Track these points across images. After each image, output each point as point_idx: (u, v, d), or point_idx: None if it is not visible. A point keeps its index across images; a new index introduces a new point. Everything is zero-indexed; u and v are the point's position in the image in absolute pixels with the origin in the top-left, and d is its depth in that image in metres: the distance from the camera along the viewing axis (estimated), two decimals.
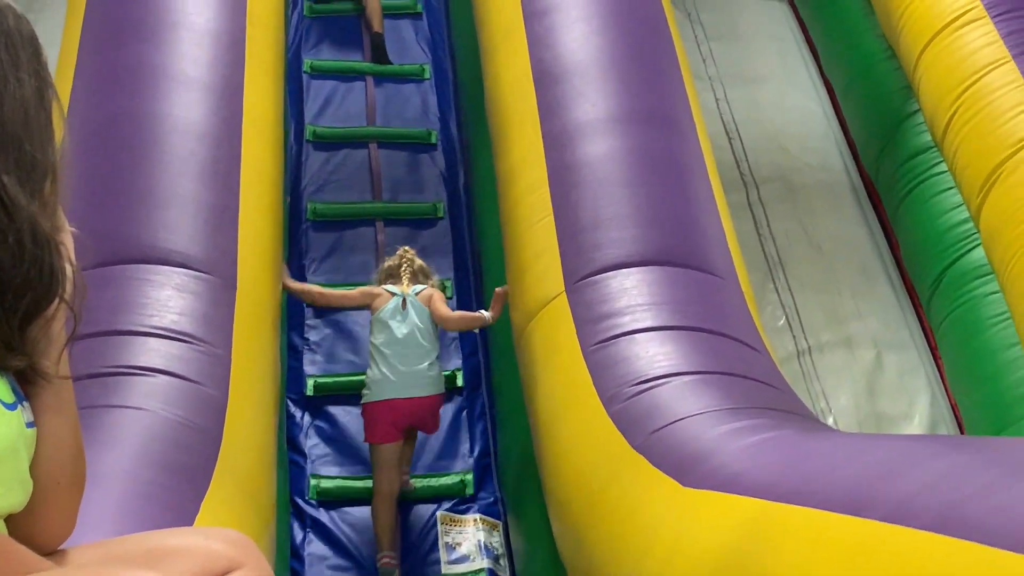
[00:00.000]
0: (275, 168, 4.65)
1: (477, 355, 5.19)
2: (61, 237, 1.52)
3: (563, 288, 4.22)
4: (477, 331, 5.21)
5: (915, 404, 5.20)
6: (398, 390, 4.55)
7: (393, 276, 4.78)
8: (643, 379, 3.63)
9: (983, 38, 5.22)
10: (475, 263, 5.52)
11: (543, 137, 4.69)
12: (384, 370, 4.57)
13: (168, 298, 3.71)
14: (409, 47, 6.36)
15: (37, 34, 1.57)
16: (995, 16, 5.22)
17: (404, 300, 4.66)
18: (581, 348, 3.94)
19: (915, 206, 5.49)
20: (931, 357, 5.37)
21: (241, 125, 4.39)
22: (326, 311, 5.24)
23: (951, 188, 5.31)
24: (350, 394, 4.91)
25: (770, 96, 6.53)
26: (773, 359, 4.06)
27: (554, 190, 4.51)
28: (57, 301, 1.49)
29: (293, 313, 5.18)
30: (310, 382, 4.99)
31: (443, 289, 5.30)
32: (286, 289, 4.69)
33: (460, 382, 5.05)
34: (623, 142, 4.60)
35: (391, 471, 4.57)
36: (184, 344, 3.57)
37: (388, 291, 4.70)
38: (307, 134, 5.86)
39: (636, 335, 3.89)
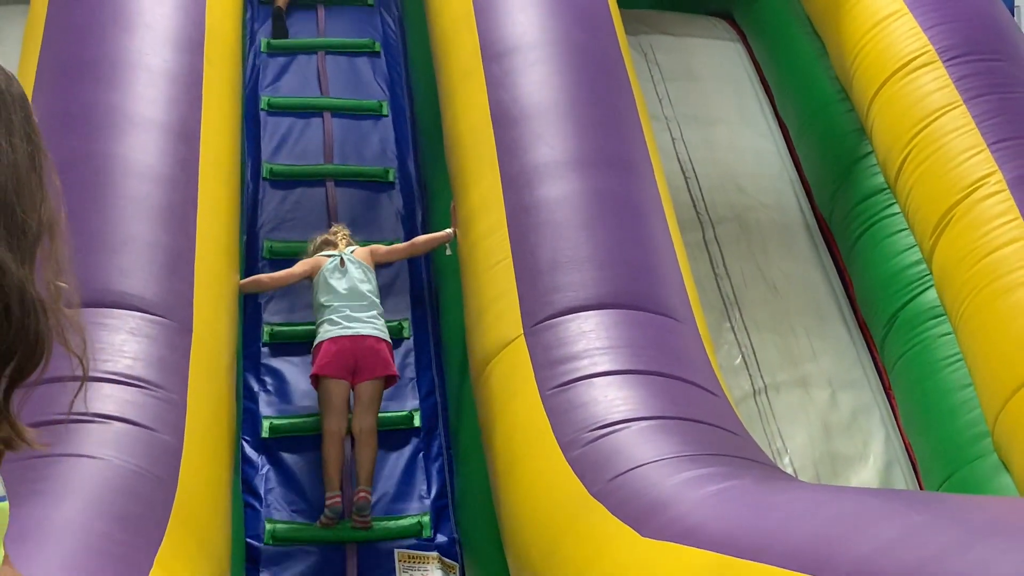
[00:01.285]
0: (232, 209, 4.63)
1: (435, 395, 5.17)
2: (59, 296, 1.51)
3: (521, 331, 4.23)
4: (434, 373, 5.20)
5: (870, 444, 5.23)
6: (342, 331, 4.77)
7: (329, 244, 5.09)
8: (601, 424, 3.63)
9: (935, 82, 5.31)
10: (432, 302, 5.51)
11: (502, 179, 4.71)
12: (328, 322, 4.81)
13: (123, 342, 3.68)
14: (367, 84, 6.36)
15: None
16: (946, 61, 5.31)
17: (342, 259, 4.95)
18: (539, 391, 3.94)
19: (869, 247, 5.55)
20: (885, 397, 5.42)
21: (198, 166, 4.37)
22: (282, 348, 5.22)
23: (904, 230, 5.37)
24: (306, 435, 4.88)
25: (726, 136, 6.58)
26: (731, 402, 4.08)
27: (512, 233, 4.52)
28: (41, 367, 1.48)
29: (249, 354, 5.14)
30: (265, 424, 4.95)
31: (400, 329, 5.30)
32: (240, 290, 4.83)
33: (417, 423, 5.03)
34: (581, 184, 4.62)
35: (337, 411, 4.73)
36: (138, 389, 3.54)
37: (325, 255, 5.01)
38: (264, 172, 5.83)
39: (594, 379, 3.89)
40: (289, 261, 5.51)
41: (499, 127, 4.88)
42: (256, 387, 5.08)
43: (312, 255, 5.08)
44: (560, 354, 4.04)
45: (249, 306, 5.30)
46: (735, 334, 5.64)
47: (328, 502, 4.69)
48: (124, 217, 4.06)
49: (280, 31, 6.51)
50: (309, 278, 5.02)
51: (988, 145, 5.01)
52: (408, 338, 5.33)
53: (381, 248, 5.15)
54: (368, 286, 4.93)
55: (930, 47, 5.38)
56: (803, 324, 5.68)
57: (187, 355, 3.81)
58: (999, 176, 4.89)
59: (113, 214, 4.06)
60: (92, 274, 3.84)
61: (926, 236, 5.12)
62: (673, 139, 6.58)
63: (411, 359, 5.26)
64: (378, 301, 4.95)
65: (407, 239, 5.71)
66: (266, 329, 5.26)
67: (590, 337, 4.08)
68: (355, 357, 4.77)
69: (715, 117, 6.68)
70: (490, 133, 4.88)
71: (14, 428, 1.46)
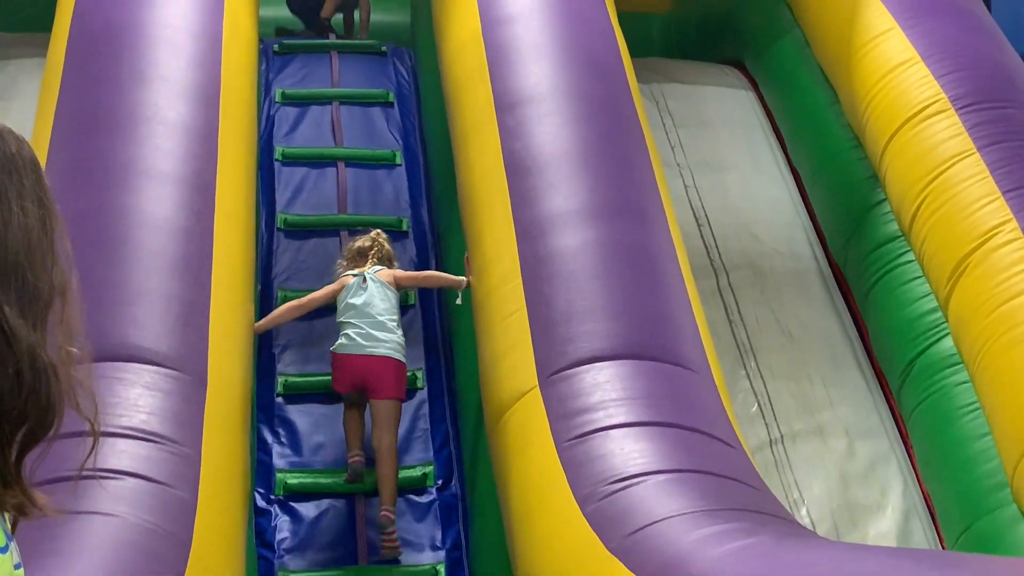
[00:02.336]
0: (246, 261, 4.64)
1: (449, 446, 5.15)
2: (71, 360, 1.50)
3: (536, 382, 4.21)
4: (449, 424, 5.18)
5: (887, 494, 5.19)
6: (353, 349, 4.88)
7: (361, 257, 5.12)
8: (618, 477, 3.61)
9: (948, 130, 5.30)
10: (447, 352, 5.49)
11: (515, 229, 4.71)
12: (344, 336, 4.92)
13: (137, 397, 3.67)
14: (381, 134, 6.39)
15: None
16: (959, 109, 5.31)
17: (364, 277, 5.01)
18: (555, 444, 3.92)
19: (883, 295, 5.53)
20: (902, 445, 5.37)
21: (213, 219, 4.38)
22: (297, 399, 5.21)
23: (919, 277, 5.35)
24: (321, 493, 4.86)
25: (738, 183, 6.59)
26: (747, 453, 4.05)
27: (526, 282, 4.51)
28: (52, 432, 1.47)
29: (263, 405, 5.13)
30: (279, 480, 4.92)
31: (414, 380, 5.29)
32: (260, 330, 4.96)
33: (431, 482, 5.00)
34: (595, 234, 4.62)
35: (354, 407, 4.94)
36: (153, 444, 3.53)
37: (350, 275, 5.06)
38: (278, 222, 5.85)
39: (610, 431, 3.87)
40: None
41: (512, 177, 4.89)
42: (270, 439, 5.07)
43: (346, 259, 5.17)
44: (576, 406, 4.02)
45: (263, 356, 5.30)
46: (751, 382, 5.61)
47: (350, 461, 4.85)
48: (139, 269, 4.07)
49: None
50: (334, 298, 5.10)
51: (1002, 193, 5.00)
52: (422, 388, 5.31)
53: (401, 273, 5.20)
54: (386, 304, 4.98)
55: (943, 95, 5.38)
56: (819, 372, 5.65)
57: (202, 409, 3.80)
58: (1014, 224, 4.87)
59: (129, 266, 4.07)
60: (108, 327, 3.85)
61: (941, 284, 5.10)
62: (686, 186, 6.59)
63: (425, 410, 5.24)
64: (397, 319, 5.01)
65: (421, 288, 5.72)
66: (280, 380, 5.25)
67: (606, 388, 4.06)
68: (363, 377, 4.87)
69: (727, 164, 6.69)
70: (504, 183, 4.89)
71: (27, 495, 1.46)
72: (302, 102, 6.47)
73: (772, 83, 6.91)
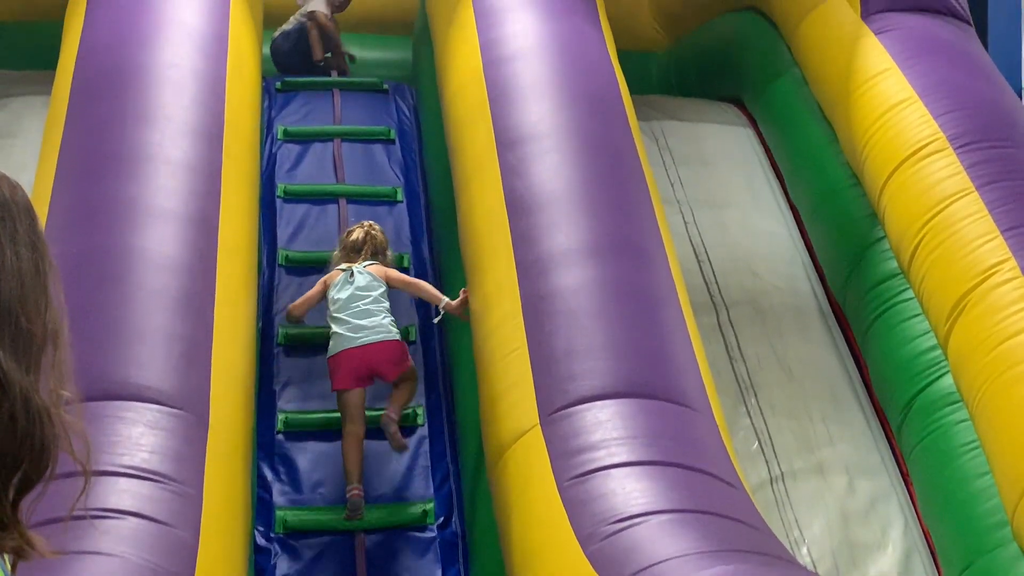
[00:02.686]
0: (249, 298, 4.66)
1: (449, 483, 5.15)
2: (61, 404, 1.51)
3: (537, 420, 4.22)
4: (449, 461, 5.18)
5: (888, 532, 5.18)
6: (351, 341, 4.92)
7: (355, 252, 5.20)
8: (620, 517, 3.61)
9: (946, 169, 5.34)
10: (447, 389, 5.50)
11: (516, 267, 4.73)
12: (337, 328, 4.97)
13: (140, 435, 3.68)
14: (382, 171, 6.42)
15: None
16: (957, 148, 5.35)
17: (352, 272, 5.10)
18: (556, 483, 3.92)
19: (883, 332, 5.55)
20: (903, 483, 5.37)
21: (216, 256, 4.40)
22: (297, 436, 5.21)
23: (919, 315, 5.36)
24: (321, 530, 4.85)
25: (738, 220, 6.61)
26: (748, 492, 4.06)
27: (528, 321, 4.53)
28: (48, 475, 1.48)
29: (263, 442, 5.13)
30: (279, 517, 4.91)
31: (413, 416, 5.29)
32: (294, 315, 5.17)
33: (431, 519, 4.99)
34: (596, 272, 4.64)
35: (356, 416, 4.91)
36: (155, 484, 3.53)
37: (339, 269, 5.16)
38: (280, 259, 5.87)
39: (612, 470, 3.88)
40: (304, 347, 5.54)
41: (513, 215, 4.91)
42: (270, 476, 5.06)
43: (341, 251, 5.27)
44: (577, 444, 4.03)
45: (263, 393, 5.30)
46: (751, 419, 5.61)
47: (349, 495, 4.84)
48: (143, 308, 4.09)
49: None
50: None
51: (1001, 231, 5.02)
52: (422, 425, 5.32)
53: (394, 273, 5.26)
54: (372, 294, 5.04)
55: (941, 134, 5.42)
56: (819, 409, 5.66)
57: (203, 448, 3.81)
58: (1013, 263, 4.89)
59: (132, 305, 4.09)
60: (110, 366, 3.86)
61: (941, 322, 5.11)
62: (686, 223, 6.61)
63: (425, 447, 5.24)
64: (384, 305, 5.06)
65: (422, 325, 5.73)
66: (280, 417, 5.25)
67: (607, 427, 4.07)
68: (368, 367, 4.95)
69: (727, 201, 6.72)
70: (505, 221, 4.92)
71: (24, 538, 1.46)
72: (304, 139, 6.51)
73: (771, 121, 6.95)
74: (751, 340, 6.02)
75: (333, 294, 5.07)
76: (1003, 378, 4.70)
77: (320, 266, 5.89)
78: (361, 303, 5.01)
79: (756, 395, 5.73)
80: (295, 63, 7.28)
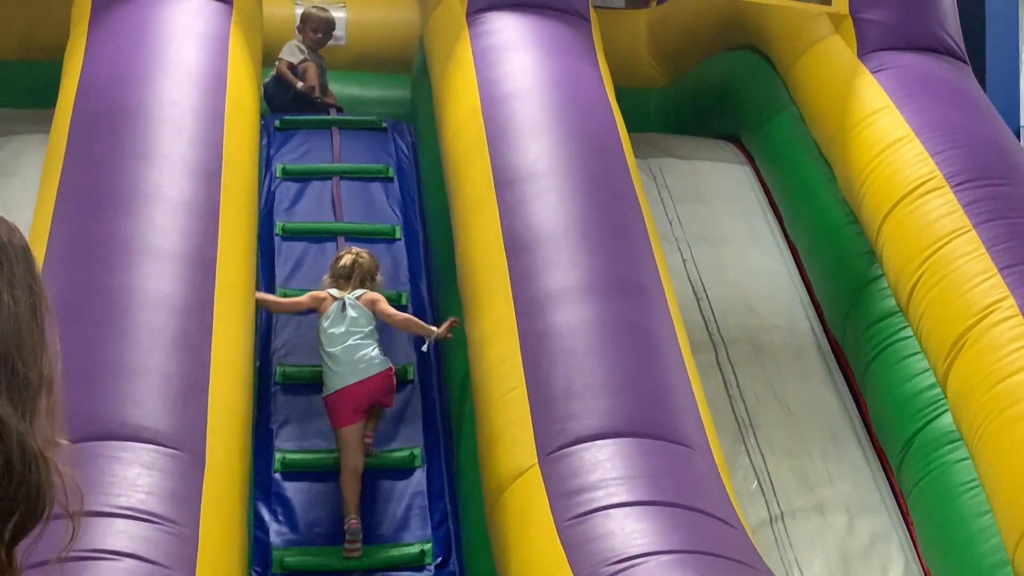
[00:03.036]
0: (246, 337, 4.64)
1: (447, 524, 5.12)
2: (56, 450, 1.50)
3: (536, 460, 4.20)
4: (447, 502, 5.16)
5: (888, 572, 5.15)
6: (347, 378, 5.06)
7: (344, 279, 5.31)
8: (620, 558, 3.59)
9: (943, 207, 5.35)
10: (445, 428, 5.48)
11: (515, 305, 4.72)
12: (332, 366, 5.10)
13: (136, 476, 3.66)
14: (380, 209, 6.42)
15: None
16: (955, 186, 5.37)
17: (344, 304, 5.20)
18: (555, 523, 3.90)
19: (882, 370, 5.54)
20: (903, 522, 5.34)
21: (213, 295, 4.40)
22: (294, 476, 5.19)
23: (918, 353, 5.36)
24: (319, 571, 4.82)
25: (736, 257, 6.62)
26: (748, 533, 4.04)
27: (526, 359, 4.52)
28: (43, 520, 1.47)
29: (260, 482, 5.10)
30: (276, 556, 4.88)
31: (411, 459, 5.28)
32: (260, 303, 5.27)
33: (428, 560, 4.96)
34: (594, 311, 4.63)
35: (356, 450, 5.05)
36: (151, 525, 3.51)
37: (331, 295, 5.26)
38: (278, 295, 5.85)
39: (611, 510, 3.85)
40: (302, 386, 5.52)
41: (511, 253, 4.91)
42: (267, 516, 5.04)
43: (331, 276, 5.36)
44: (576, 484, 4.01)
45: (261, 432, 5.28)
46: (750, 458, 5.59)
47: (347, 525, 4.93)
48: (140, 347, 4.07)
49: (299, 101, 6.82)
50: (314, 310, 5.33)
51: (999, 270, 5.03)
52: (421, 467, 5.29)
53: (383, 306, 5.32)
54: (363, 329, 5.17)
55: (938, 172, 5.44)
56: (819, 447, 5.64)
57: (200, 488, 3.78)
58: (1011, 301, 4.90)
59: (129, 344, 4.08)
60: (107, 406, 3.85)
61: (940, 360, 5.11)
62: (684, 260, 6.62)
63: (423, 486, 5.21)
64: (376, 337, 5.21)
65: (419, 363, 5.72)
66: (278, 456, 5.23)
67: (606, 467, 4.05)
68: (368, 399, 5.11)
69: (725, 238, 6.73)
70: (503, 259, 4.91)
71: None
72: (302, 177, 6.52)
73: (768, 158, 6.97)
74: (750, 378, 6.01)
75: (326, 327, 5.18)
76: (1002, 416, 4.69)
77: None
78: (353, 339, 5.13)
79: (755, 434, 5.71)
80: (286, 102, 7.31)
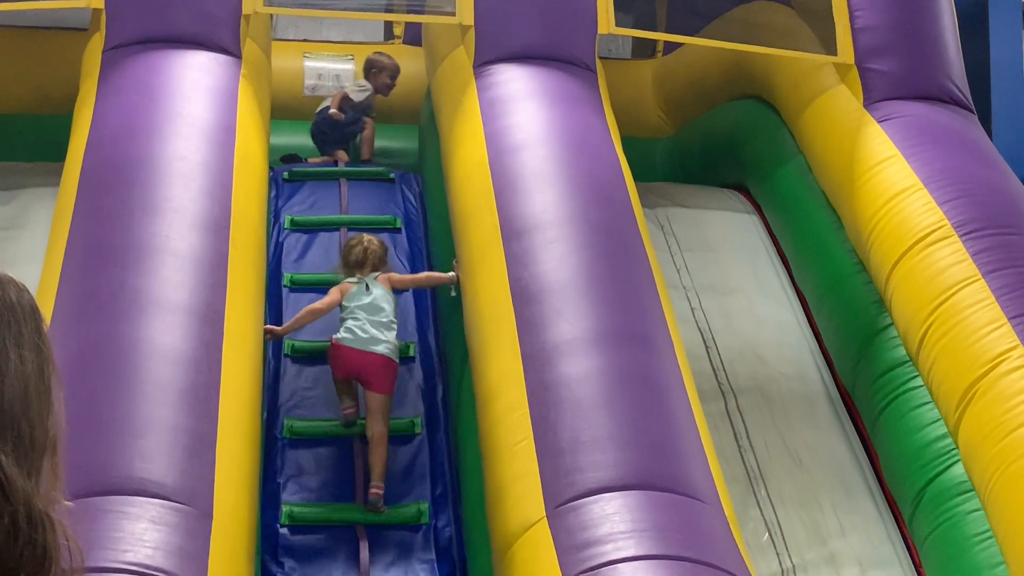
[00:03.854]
0: (254, 390, 4.64)
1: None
2: (57, 509, 1.49)
3: (544, 513, 4.17)
4: (455, 555, 5.12)
5: None
6: (355, 344, 5.36)
7: (357, 266, 5.62)
8: None
9: (952, 256, 5.34)
10: (454, 482, 5.45)
11: (522, 356, 4.71)
12: (352, 325, 5.39)
13: (143, 531, 3.65)
14: (389, 260, 6.42)
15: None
16: (963, 235, 5.36)
17: (366, 284, 5.54)
18: None
19: (893, 420, 5.50)
20: (916, 574, 5.29)
21: (221, 348, 4.40)
22: (301, 530, 5.16)
23: (928, 403, 5.33)
24: None
25: (745, 306, 6.61)
26: None
27: (533, 411, 4.50)
28: None
29: (267, 535, 5.08)
30: None
31: (418, 515, 5.25)
32: (276, 336, 5.58)
33: None
34: (602, 362, 4.62)
35: (347, 395, 5.48)
36: None
37: (350, 282, 5.58)
38: (285, 348, 5.86)
39: (620, 565, 3.83)
40: (310, 440, 5.50)
41: (519, 304, 4.91)
42: (274, 569, 5.00)
43: (344, 266, 5.69)
44: (584, 538, 3.98)
45: (268, 485, 5.26)
46: (761, 510, 5.55)
47: (344, 412, 5.43)
48: (147, 401, 4.07)
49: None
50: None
51: (1008, 319, 5.01)
52: (427, 523, 5.25)
53: (396, 276, 5.75)
54: (388, 307, 5.49)
55: (946, 221, 5.43)
56: (830, 499, 5.59)
57: (207, 543, 3.76)
58: (1021, 350, 4.87)
59: (137, 398, 4.08)
60: (115, 460, 3.84)
61: (950, 410, 5.08)
62: (692, 308, 6.61)
63: (431, 539, 5.18)
64: (395, 321, 5.51)
65: (428, 414, 5.70)
66: (284, 510, 5.20)
67: (614, 520, 4.02)
68: (361, 370, 5.37)
69: (733, 287, 6.72)
70: (510, 310, 4.91)
71: None
72: (310, 228, 6.54)
73: (776, 207, 6.98)
74: (760, 428, 5.98)
75: (352, 305, 5.46)
76: (1014, 467, 4.66)
77: (325, 356, 5.88)
78: (379, 316, 5.44)
79: (766, 485, 5.67)
80: (333, 139, 7.44)
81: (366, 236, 5.80)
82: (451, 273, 5.58)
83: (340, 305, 5.52)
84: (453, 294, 5.59)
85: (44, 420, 1.49)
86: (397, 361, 5.42)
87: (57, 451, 1.51)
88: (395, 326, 5.48)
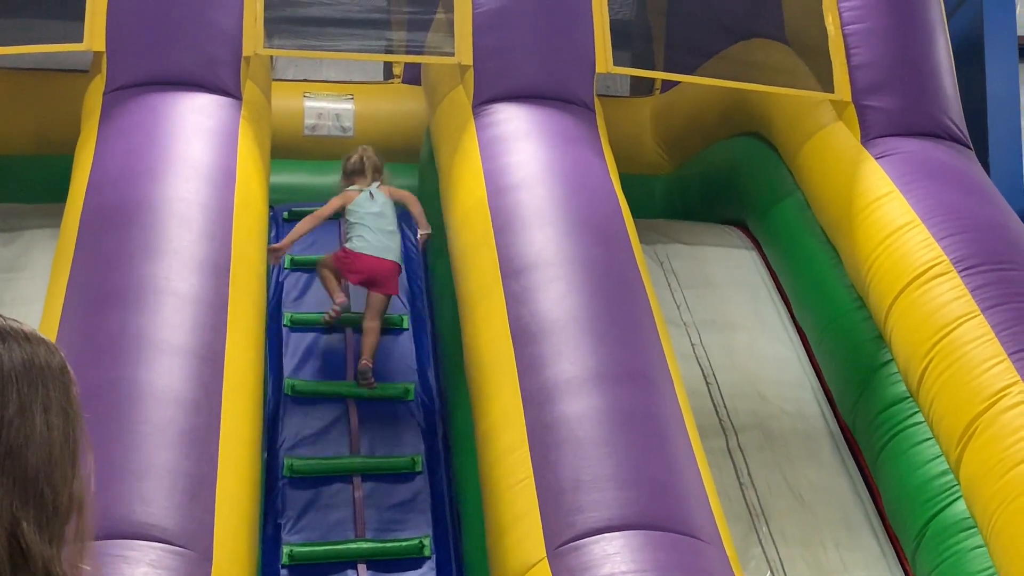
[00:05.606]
0: (254, 431, 4.63)
1: None
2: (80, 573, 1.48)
3: (544, 553, 4.16)
4: None
5: None
6: (370, 250, 5.88)
7: (357, 173, 6.09)
8: None
9: (951, 292, 5.35)
10: (454, 520, 5.44)
11: (522, 395, 4.71)
12: (364, 234, 5.89)
13: None
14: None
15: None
16: (962, 271, 5.37)
17: (371, 193, 6.01)
18: None
19: (894, 457, 5.49)
20: None
21: (221, 390, 4.40)
22: (303, 571, 5.14)
23: (929, 439, 5.32)
24: None
25: (745, 343, 6.61)
26: None
27: (533, 450, 4.49)
28: None
29: (268, 574, 5.06)
30: None
31: (420, 548, 5.24)
32: (279, 252, 5.99)
33: None
34: (602, 401, 4.62)
35: (337, 289, 6.02)
36: None
37: (352, 191, 6.02)
38: (286, 388, 5.86)
39: None
40: (310, 479, 5.49)
41: (519, 342, 4.91)
42: None
43: (344, 176, 6.14)
44: None
45: (268, 526, 5.24)
46: (763, 547, 5.53)
47: (337, 301, 5.97)
48: (147, 444, 4.07)
49: None
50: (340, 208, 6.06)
51: (1009, 355, 5.01)
52: (429, 557, 5.24)
53: (393, 188, 6.16)
54: (391, 213, 6.01)
55: (944, 257, 5.44)
56: (832, 536, 5.58)
57: None
58: (1021, 386, 4.88)
59: (136, 441, 4.07)
60: (114, 504, 3.83)
61: (952, 447, 5.07)
62: (693, 344, 6.61)
63: None
64: (399, 230, 6.03)
65: (428, 454, 5.70)
66: (285, 550, 5.18)
67: (615, 560, 4.01)
68: (375, 275, 5.89)
69: (733, 323, 6.72)
70: (510, 348, 4.91)
71: None
72: (311, 268, 6.54)
73: (774, 244, 6.99)
74: (761, 465, 5.97)
75: (360, 210, 5.93)
76: (1016, 503, 4.65)
77: (327, 396, 5.88)
78: (384, 223, 5.93)
79: (767, 522, 5.66)
80: None
81: (362, 146, 6.28)
82: (423, 233, 6.03)
83: (347, 211, 5.95)
84: (421, 241, 6.13)
85: (68, 485, 1.47)
86: (402, 264, 6.02)
87: (83, 515, 1.49)
88: (398, 233, 6.00)
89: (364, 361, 5.80)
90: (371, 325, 5.86)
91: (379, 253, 5.86)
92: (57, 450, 1.46)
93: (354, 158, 6.14)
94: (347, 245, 5.91)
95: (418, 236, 6.10)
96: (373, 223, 5.90)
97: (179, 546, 3.77)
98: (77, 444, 1.50)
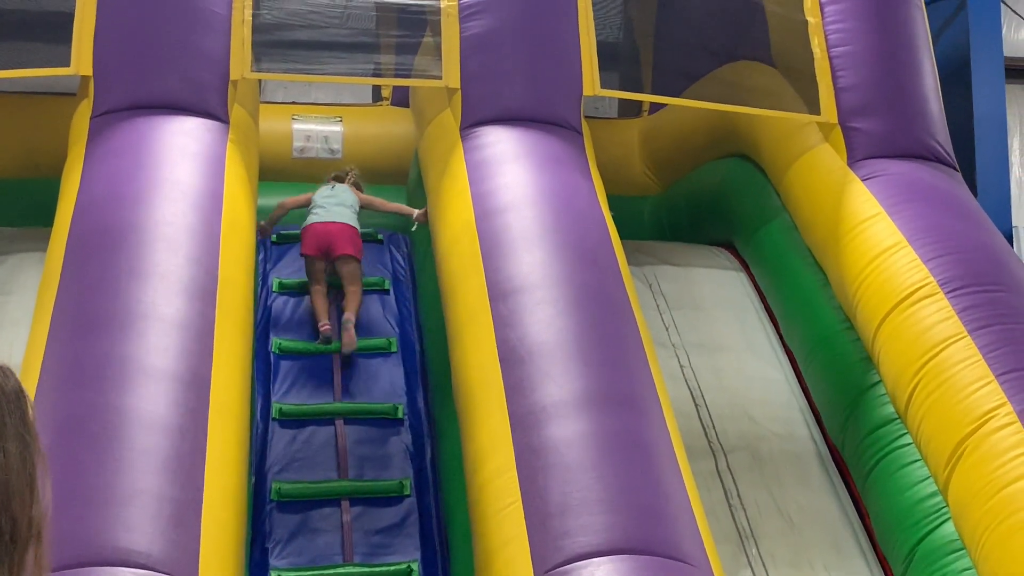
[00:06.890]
0: (240, 456, 4.61)
1: None
2: None
3: None
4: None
5: None
6: (316, 219, 6.29)
7: (336, 180, 6.62)
8: None
9: (938, 314, 5.35)
10: (442, 544, 5.42)
11: (510, 419, 4.70)
12: (311, 215, 6.32)
13: None
14: (376, 322, 6.43)
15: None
16: (949, 293, 5.37)
17: (335, 185, 6.52)
18: None
19: (883, 478, 5.49)
20: None
21: (207, 416, 4.37)
22: None
23: (918, 460, 5.32)
24: None
25: (733, 364, 6.61)
26: None
27: (521, 474, 4.48)
28: None
29: None
30: None
31: (408, 572, 5.22)
32: (264, 233, 6.43)
33: None
34: (590, 424, 4.60)
35: (319, 280, 6.28)
36: None
37: (323, 186, 6.54)
38: (273, 412, 5.84)
39: None
40: (298, 503, 5.47)
41: (506, 366, 4.90)
42: None
43: (326, 181, 6.65)
44: None
45: (256, 550, 5.22)
46: (752, 569, 5.51)
47: (321, 329, 6.13)
48: (132, 470, 4.04)
49: None
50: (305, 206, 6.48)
51: (996, 376, 5.02)
52: None
53: (363, 195, 6.57)
54: (351, 202, 6.40)
55: (931, 279, 5.45)
56: (821, 558, 5.56)
57: None
58: (1008, 408, 4.88)
59: (121, 467, 4.04)
60: (99, 530, 3.80)
61: (940, 468, 5.07)
62: (682, 366, 6.60)
63: None
64: (356, 214, 6.36)
65: (416, 477, 5.68)
66: (273, 575, 5.16)
67: None
68: (328, 238, 6.20)
69: (722, 345, 6.72)
70: (497, 372, 4.90)
71: None
72: (298, 291, 6.54)
73: (762, 265, 7.00)
74: (750, 487, 5.95)
75: (317, 198, 6.40)
76: (1004, 525, 4.64)
77: (315, 418, 5.87)
78: (338, 203, 6.32)
79: (757, 544, 5.64)
80: None
81: (350, 165, 6.84)
82: (418, 211, 6.28)
83: (311, 202, 6.40)
84: (413, 229, 6.39)
85: (26, 512, 1.45)
86: (357, 228, 6.27)
87: (42, 540, 1.48)
88: (356, 216, 6.31)
89: (347, 314, 6.07)
90: (351, 289, 6.17)
91: (330, 218, 6.20)
92: (14, 477, 1.44)
93: (340, 170, 6.70)
94: (302, 226, 6.28)
95: (415, 216, 6.31)
96: (327, 203, 6.30)
97: (164, 573, 3.75)
98: (35, 469, 1.48)
